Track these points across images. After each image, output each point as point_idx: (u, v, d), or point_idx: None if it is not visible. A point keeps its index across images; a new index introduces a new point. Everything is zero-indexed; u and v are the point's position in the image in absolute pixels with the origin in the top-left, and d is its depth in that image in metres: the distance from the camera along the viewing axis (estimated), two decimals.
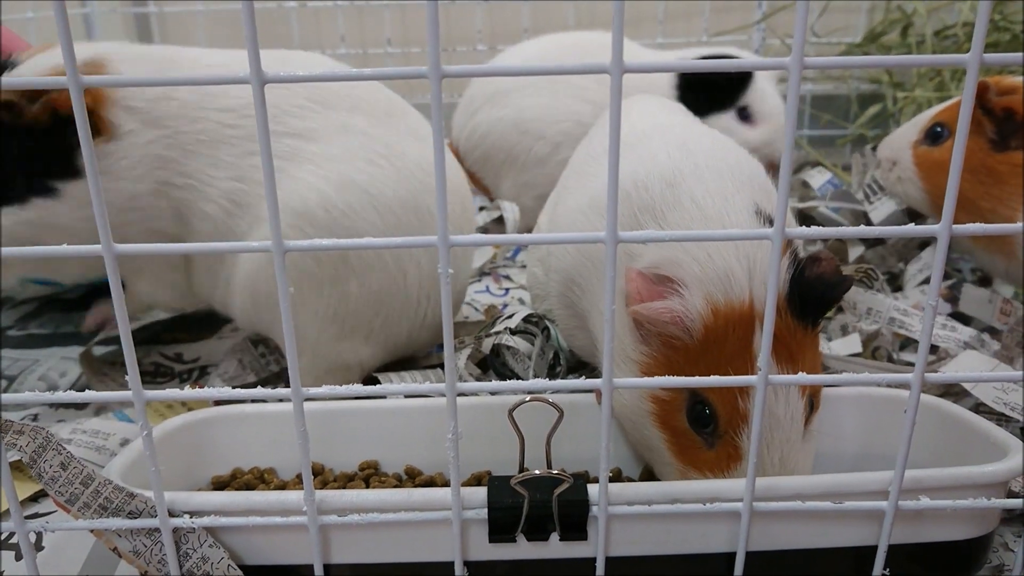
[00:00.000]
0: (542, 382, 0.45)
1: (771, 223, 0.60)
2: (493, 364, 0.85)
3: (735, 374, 0.54)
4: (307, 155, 0.78)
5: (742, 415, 0.54)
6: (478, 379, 0.84)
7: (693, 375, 0.55)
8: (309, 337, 0.81)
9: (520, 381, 0.44)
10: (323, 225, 0.77)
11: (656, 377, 0.45)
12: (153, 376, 0.95)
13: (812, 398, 0.58)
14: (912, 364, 0.84)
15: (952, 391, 0.76)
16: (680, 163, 0.65)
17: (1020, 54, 0.39)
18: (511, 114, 1.32)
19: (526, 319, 0.87)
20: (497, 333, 0.85)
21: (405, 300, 0.83)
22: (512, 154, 1.34)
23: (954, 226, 0.41)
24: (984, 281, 1.11)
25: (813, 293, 0.57)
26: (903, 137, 1.02)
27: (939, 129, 0.97)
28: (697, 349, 0.56)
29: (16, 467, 0.71)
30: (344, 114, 0.81)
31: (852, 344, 0.89)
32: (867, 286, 0.93)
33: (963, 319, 0.97)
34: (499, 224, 1.33)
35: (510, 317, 0.88)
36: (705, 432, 0.56)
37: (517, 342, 0.84)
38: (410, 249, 0.80)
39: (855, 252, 1.13)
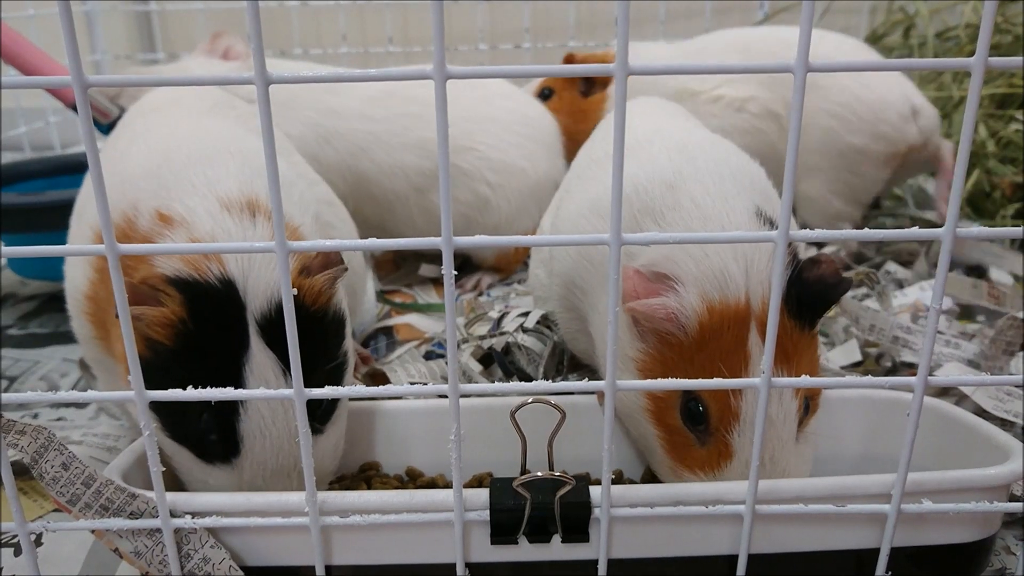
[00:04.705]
0: (544, 384, 0.44)
1: (772, 225, 0.60)
2: (501, 360, 0.85)
3: (729, 373, 0.54)
4: None
5: (734, 413, 0.54)
6: (480, 375, 0.84)
7: (687, 372, 0.55)
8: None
9: (522, 383, 0.44)
10: None
11: (659, 379, 0.45)
12: None
13: (809, 400, 0.58)
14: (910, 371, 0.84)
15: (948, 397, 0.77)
16: (680, 166, 0.65)
17: (1021, 58, 0.39)
18: None
19: (540, 320, 0.87)
20: (508, 333, 0.85)
21: None
22: None
23: (958, 229, 0.41)
24: (971, 271, 1.16)
25: (811, 294, 0.57)
26: None
27: (546, 91, 1.42)
28: (692, 346, 0.56)
29: (22, 491, 0.70)
30: None
31: (851, 353, 0.89)
32: (869, 288, 0.93)
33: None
34: None
35: (524, 315, 0.87)
36: (698, 429, 0.56)
37: (532, 342, 0.84)
38: None
39: None
